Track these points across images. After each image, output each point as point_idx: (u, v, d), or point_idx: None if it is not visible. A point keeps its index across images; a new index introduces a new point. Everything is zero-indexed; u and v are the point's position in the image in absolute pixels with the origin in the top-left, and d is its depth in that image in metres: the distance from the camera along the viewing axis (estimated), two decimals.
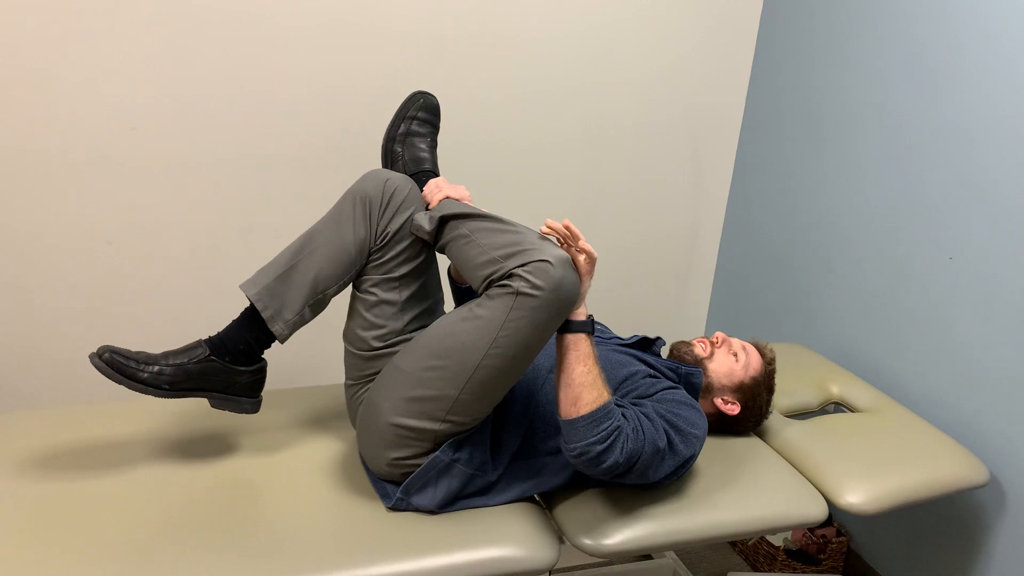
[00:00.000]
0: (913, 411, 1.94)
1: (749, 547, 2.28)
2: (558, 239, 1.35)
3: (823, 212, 2.28)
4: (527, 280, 1.26)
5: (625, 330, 2.58)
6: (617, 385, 1.50)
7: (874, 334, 2.11)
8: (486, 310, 1.30)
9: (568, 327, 1.32)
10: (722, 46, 2.48)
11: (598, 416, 1.28)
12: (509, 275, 1.28)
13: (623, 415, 1.32)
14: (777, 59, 2.44)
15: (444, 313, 1.53)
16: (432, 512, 1.40)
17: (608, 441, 1.27)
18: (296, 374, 2.12)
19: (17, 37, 1.85)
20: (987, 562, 1.85)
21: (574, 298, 1.29)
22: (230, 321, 1.48)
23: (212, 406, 1.47)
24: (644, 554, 1.92)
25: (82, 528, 1.29)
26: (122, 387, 2.16)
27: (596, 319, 1.86)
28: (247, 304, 1.46)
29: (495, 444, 1.44)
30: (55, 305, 2.07)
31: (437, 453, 1.38)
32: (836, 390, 1.96)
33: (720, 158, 2.63)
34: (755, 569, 2.26)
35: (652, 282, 2.71)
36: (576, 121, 2.40)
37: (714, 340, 1.70)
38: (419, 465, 1.39)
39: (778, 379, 1.72)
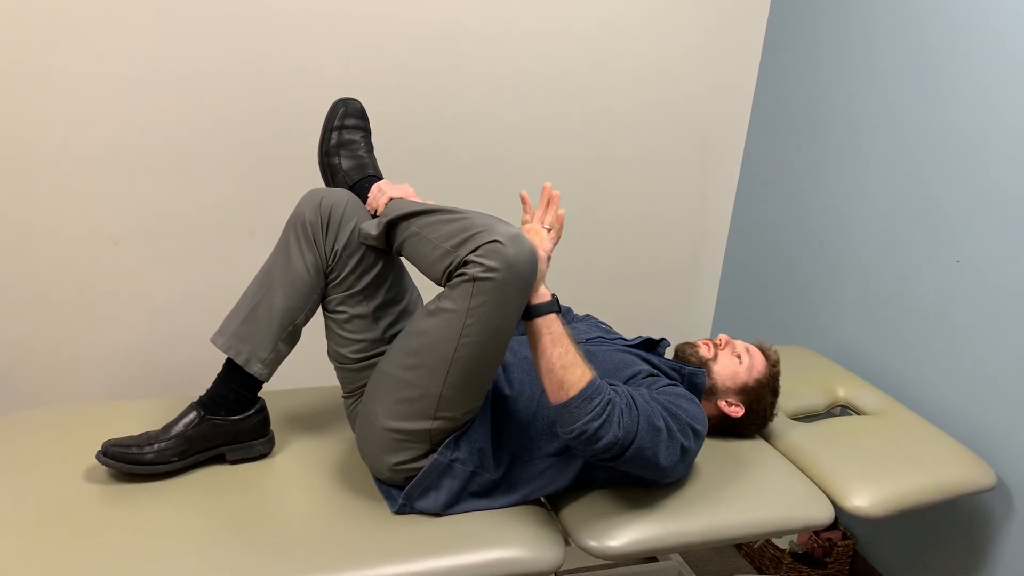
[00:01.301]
0: (919, 414, 1.93)
1: (755, 550, 2.27)
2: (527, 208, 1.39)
3: (830, 214, 2.27)
4: (481, 264, 1.25)
5: (630, 331, 2.57)
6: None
7: (880, 337, 2.11)
8: (450, 301, 1.30)
9: (534, 311, 1.31)
10: (729, 46, 2.48)
11: (588, 394, 1.27)
12: (464, 263, 1.28)
13: (614, 390, 1.32)
14: (784, 60, 2.43)
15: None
16: (437, 515, 1.40)
17: (603, 416, 1.26)
18: (302, 375, 2.12)
19: (25, 38, 1.86)
20: (994, 566, 1.84)
21: (531, 273, 1.28)
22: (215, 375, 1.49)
23: (229, 461, 1.49)
24: (649, 556, 1.92)
25: (89, 527, 1.29)
26: (127, 383, 2.18)
27: (601, 320, 1.86)
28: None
29: (496, 442, 1.44)
30: (63, 305, 2.08)
31: (435, 455, 1.38)
32: (842, 393, 1.96)
33: (727, 159, 2.63)
34: (760, 572, 2.25)
35: (658, 283, 2.71)
36: (581, 120, 2.40)
37: (718, 342, 1.69)
38: (420, 468, 1.39)
39: (784, 382, 1.72)
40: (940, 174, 1.92)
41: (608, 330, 1.79)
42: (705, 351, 1.68)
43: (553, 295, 1.34)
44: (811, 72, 2.32)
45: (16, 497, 1.35)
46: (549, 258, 1.38)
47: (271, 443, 1.53)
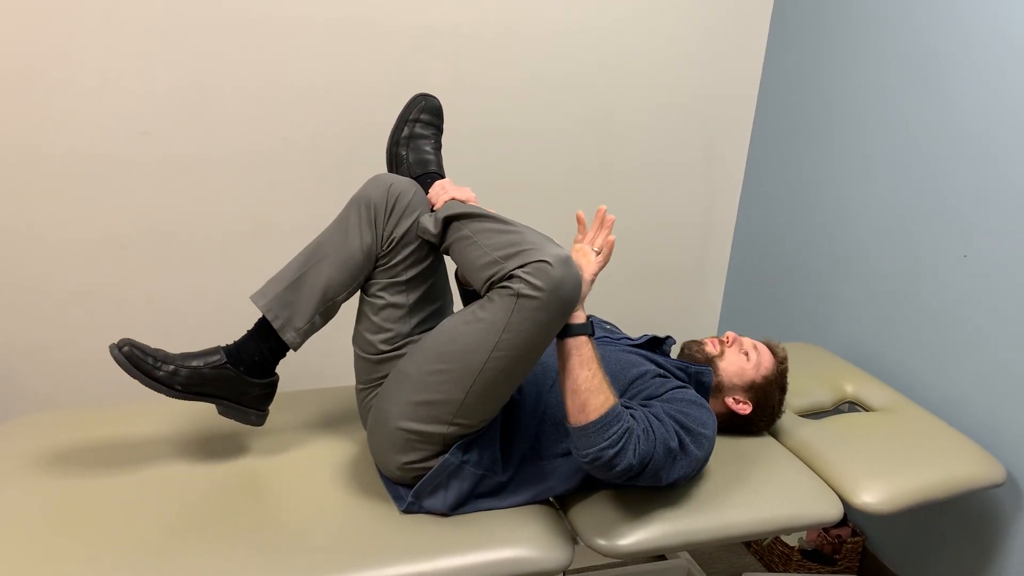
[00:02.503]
0: (928, 410, 1.93)
1: (764, 547, 2.27)
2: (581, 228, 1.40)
3: (836, 210, 2.27)
4: (527, 281, 1.26)
5: (637, 330, 2.57)
6: (627, 386, 1.49)
7: (888, 333, 2.10)
8: (488, 312, 1.30)
9: (568, 331, 1.32)
10: (733, 44, 2.48)
11: (607, 420, 1.27)
12: (509, 276, 1.28)
13: (632, 416, 1.32)
14: (788, 58, 2.43)
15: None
16: (444, 515, 1.40)
17: (620, 444, 1.27)
18: (308, 376, 2.13)
19: (30, 41, 1.86)
20: (1004, 561, 1.83)
21: (575, 297, 1.29)
22: (244, 326, 1.49)
23: (219, 413, 1.49)
24: (658, 555, 1.92)
25: (98, 528, 1.29)
26: (136, 383, 2.18)
27: (607, 319, 1.86)
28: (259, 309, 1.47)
29: (505, 445, 1.44)
30: (70, 309, 2.09)
31: (447, 456, 1.38)
32: (850, 389, 1.95)
33: (732, 157, 2.62)
34: (770, 569, 2.25)
35: (664, 282, 2.70)
36: (587, 122, 2.40)
37: (725, 339, 1.69)
38: (430, 468, 1.39)
39: (792, 379, 1.71)
40: (945, 169, 1.92)
41: (613, 330, 1.79)
42: (711, 348, 1.68)
43: (589, 318, 1.35)
44: (815, 70, 2.32)
45: (27, 498, 1.35)
46: (593, 281, 1.40)
47: (264, 418, 1.52)
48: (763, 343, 1.71)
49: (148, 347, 1.41)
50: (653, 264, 2.66)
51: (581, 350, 1.31)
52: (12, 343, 2.07)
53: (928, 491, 1.58)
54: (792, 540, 2.19)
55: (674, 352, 1.78)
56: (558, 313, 1.28)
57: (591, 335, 1.34)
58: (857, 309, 2.21)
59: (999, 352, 1.80)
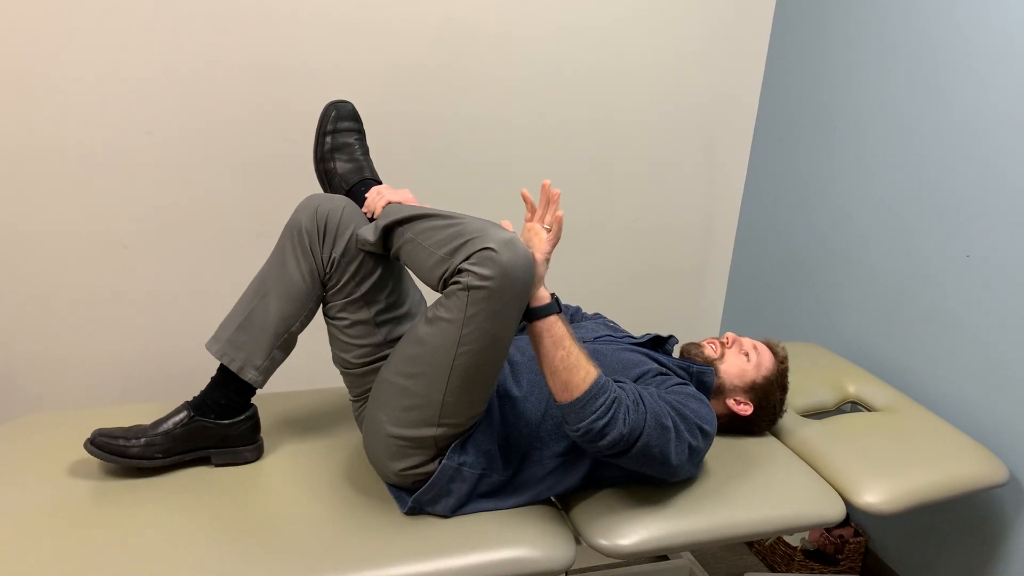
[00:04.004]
0: (931, 410, 1.93)
1: (766, 547, 2.27)
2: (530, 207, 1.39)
3: (838, 210, 2.27)
4: (474, 272, 1.24)
5: (639, 329, 2.57)
6: None
7: (890, 333, 2.10)
8: (446, 311, 1.29)
9: (534, 314, 1.30)
10: (735, 44, 2.48)
11: (593, 392, 1.27)
12: (457, 271, 1.26)
13: (621, 388, 1.31)
14: (790, 58, 2.43)
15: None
16: (447, 516, 1.40)
17: (608, 415, 1.26)
18: (312, 377, 2.13)
19: (33, 42, 1.87)
20: (1006, 561, 1.83)
21: (528, 279, 1.26)
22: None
23: (215, 464, 1.48)
24: (660, 555, 1.92)
25: (99, 529, 1.29)
26: (138, 383, 2.19)
27: (610, 318, 1.86)
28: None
29: (505, 443, 1.44)
30: (71, 308, 2.09)
31: (444, 461, 1.38)
32: (852, 389, 1.95)
33: (734, 157, 2.62)
34: (772, 570, 2.25)
35: (666, 281, 2.70)
36: (588, 123, 2.40)
37: (724, 340, 1.69)
38: (427, 473, 1.39)
39: (794, 379, 1.71)
40: (947, 169, 1.91)
41: (616, 328, 1.78)
42: (710, 351, 1.67)
43: (553, 295, 1.33)
44: (816, 70, 2.32)
45: (26, 501, 1.36)
46: (548, 259, 1.35)
47: (259, 451, 1.52)
48: (763, 343, 1.70)
49: (117, 429, 1.42)
50: (655, 263, 2.66)
51: (552, 330, 1.29)
52: (14, 343, 2.07)
53: (931, 491, 1.57)
54: (794, 540, 2.19)
55: (676, 351, 1.78)
56: (513, 298, 1.25)
57: (559, 312, 1.31)
58: (859, 309, 2.21)
59: (1001, 352, 1.80)
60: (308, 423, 1.67)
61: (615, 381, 1.34)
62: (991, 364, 1.83)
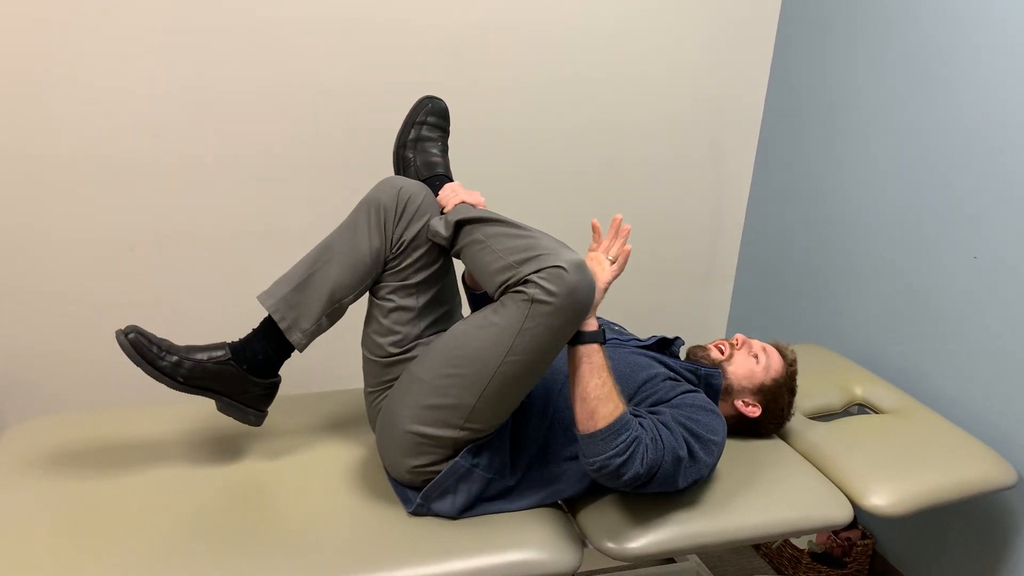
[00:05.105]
0: (938, 412, 1.92)
1: (773, 550, 2.26)
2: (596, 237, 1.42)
3: (845, 212, 2.26)
4: (542, 286, 1.26)
5: (646, 331, 2.57)
6: (636, 389, 1.49)
7: (898, 335, 2.09)
8: (501, 317, 1.30)
9: (580, 338, 1.32)
10: (741, 45, 2.47)
11: (616, 428, 1.27)
12: (524, 281, 1.28)
13: (640, 425, 1.31)
14: (796, 58, 2.42)
15: (461, 318, 1.53)
16: (452, 517, 1.40)
17: (627, 453, 1.27)
18: (316, 378, 2.13)
19: (40, 45, 1.88)
20: (1015, 564, 1.82)
21: (589, 303, 1.29)
22: (253, 328, 1.49)
23: (218, 409, 1.48)
24: (667, 557, 1.92)
25: (107, 530, 1.30)
26: (145, 384, 2.19)
27: (615, 320, 1.86)
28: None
29: (514, 448, 1.44)
30: (79, 311, 2.10)
31: (457, 459, 1.38)
32: (860, 391, 1.95)
33: (740, 158, 2.62)
34: (779, 572, 2.24)
35: (673, 283, 2.70)
36: (595, 121, 2.40)
37: (734, 342, 1.68)
38: (439, 471, 1.39)
39: (801, 381, 1.71)
40: (955, 170, 1.91)
41: (621, 331, 1.78)
42: (717, 354, 1.67)
43: (601, 326, 1.35)
44: (822, 71, 2.31)
45: (35, 503, 1.36)
46: (606, 289, 1.40)
47: (262, 418, 1.52)
48: (772, 345, 1.70)
49: (154, 336, 1.41)
50: (662, 265, 2.66)
51: (592, 358, 1.31)
52: (22, 345, 2.08)
53: (938, 494, 1.57)
54: (802, 543, 2.18)
55: (683, 353, 1.78)
56: (571, 319, 1.28)
57: (603, 343, 1.33)
58: (866, 311, 2.20)
59: (1009, 354, 1.79)
60: (313, 425, 1.67)
61: (634, 416, 1.34)
62: (999, 366, 1.82)
